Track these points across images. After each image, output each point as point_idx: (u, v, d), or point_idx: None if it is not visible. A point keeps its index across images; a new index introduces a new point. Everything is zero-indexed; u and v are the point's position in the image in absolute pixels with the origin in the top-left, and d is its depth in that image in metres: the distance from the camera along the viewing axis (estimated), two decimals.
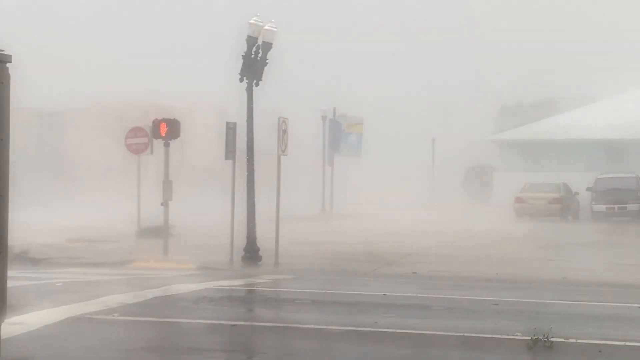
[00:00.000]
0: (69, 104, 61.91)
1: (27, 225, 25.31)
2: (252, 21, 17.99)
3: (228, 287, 14.28)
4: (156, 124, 19.78)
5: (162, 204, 18.93)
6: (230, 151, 18.29)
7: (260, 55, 18.09)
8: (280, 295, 13.58)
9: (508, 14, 75.53)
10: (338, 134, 43.98)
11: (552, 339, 9.03)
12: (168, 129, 19.30)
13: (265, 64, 18.17)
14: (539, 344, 8.92)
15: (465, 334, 9.68)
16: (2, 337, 7.64)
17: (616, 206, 35.14)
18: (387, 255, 20.01)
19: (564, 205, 35.71)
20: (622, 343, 9.28)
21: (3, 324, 7.59)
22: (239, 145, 18.39)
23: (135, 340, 9.53)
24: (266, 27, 18.10)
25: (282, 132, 18.18)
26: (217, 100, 57.80)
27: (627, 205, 35.09)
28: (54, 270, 16.74)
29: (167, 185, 18.96)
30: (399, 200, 48.23)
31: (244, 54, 18.02)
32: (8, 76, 7.40)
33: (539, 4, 79.38)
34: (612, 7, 71.68)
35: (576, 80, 65.36)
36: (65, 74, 61.41)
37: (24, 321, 10.24)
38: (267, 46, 18.16)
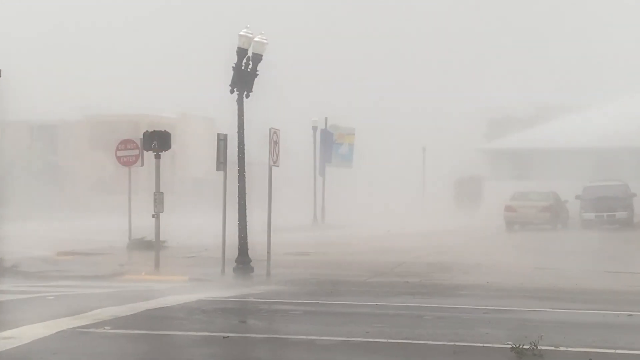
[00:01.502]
0: (60, 117, 61.82)
1: (18, 238, 25.29)
2: (242, 33, 18.06)
3: (220, 299, 14.30)
4: (147, 135, 19.81)
5: (153, 216, 18.94)
6: (221, 162, 18.33)
7: (250, 66, 18.16)
8: (272, 307, 13.62)
9: (498, 24, 75.87)
10: (329, 144, 44.07)
11: (542, 348, 9.10)
12: (159, 141, 19.33)
13: (256, 75, 18.24)
14: (528, 353, 8.98)
15: (456, 343, 9.74)
16: None
17: (605, 214, 35.26)
18: (379, 265, 20.06)
19: (553, 213, 35.82)
20: (612, 351, 9.35)
21: None
22: (231, 157, 18.43)
23: (127, 353, 9.55)
24: (256, 39, 18.18)
25: (274, 143, 18.25)
26: (208, 111, 57.84)
27: (615, 213, 35.22)
28: (45, 283, 16.72)
29: (158, 197, 18.98)
30: (390, 210, 48.32)
31: (234, 66, 18.09)
32: None
33: (528, 13, 79.77)
34: (601, 16, 72.07)
35: (565, 88, 65.65)
36: (57, 87, 61.34)
37: (15, 335, 10.25)
38: (258, 57, 18.24)
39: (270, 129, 18.28)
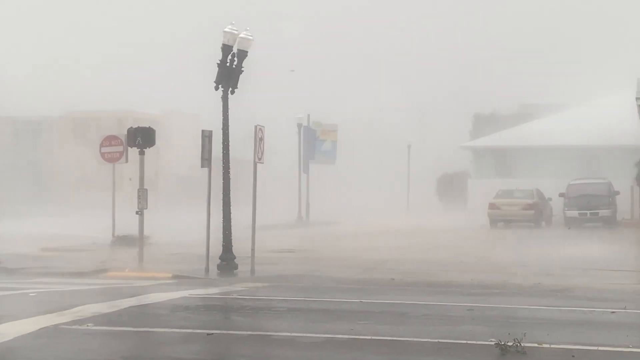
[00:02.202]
0: (44, 113, 61.48)
1: (1, 235, 25.14)
2: (227, 29, 18.00)
3: (204, 296, 14.26)
4: (131, 132, 19.73)
5: (137, 213, 18.87)
6: (206, 159, 18.28)
7: (235, 63, 18.11)
8: (256, 304, 13.59)
9: (483, 22, 76.08)
10: (312, 141, 44.08)
11: (526, 345, 9.13)
12: (143, 137, 19.26)
13: (241, 71, 18.19)
14: (512, 350, 9.01)
15: (440, 340, 9.76)
16: None
17: (588, 212, 35.45)
18: (363, 261, 20.08)
19: (537, 211, 35.99)
20: (595, 348, 9.40)
21: None
22: (215, 153, 18.39)
23: (110, 350, 9.51)
24: (241, 35, 18.12)
25: (259, 139, 18.21)
26: (193, 108, 57.70)
27: (599, 211, 35.41)
28: (28, 280, 16.63)
29: (142, 194, 18.91)
30: (374, 207, 48.39)
31: (219, 62, 18.03)
32: None
33: (513, 12, 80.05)
34: (582, 16, 72.44)
35: (549, 87, 65.95)
36: (40, 83, 61.01)
37: None
38: (243, 54, 18.18)
39: (255, 126, 18.26)
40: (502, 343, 9.09)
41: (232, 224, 18.06)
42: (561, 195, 36.66)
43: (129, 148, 21.64)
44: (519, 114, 59.07)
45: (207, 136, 18.30)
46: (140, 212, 18.83)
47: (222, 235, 17.91)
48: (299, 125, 42.67)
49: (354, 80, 69.06)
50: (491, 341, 9.48)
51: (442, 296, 14.12)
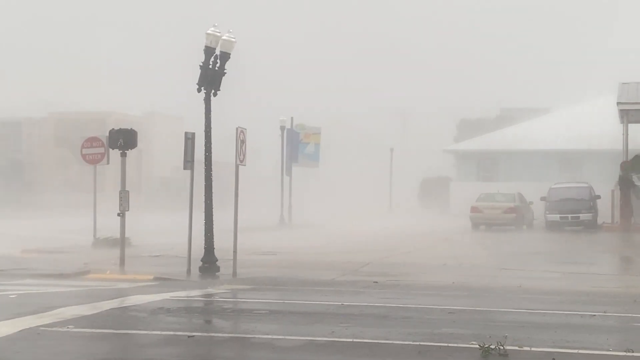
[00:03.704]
0: (25, 114, 61.10)
1: None
2: (209, 31, 17.97)
3: (185, 298, 14.22)
4: (113, 133, 19.66)
5: (118, 215, 18.79)
6: (188, 161, 18.24)
7: (218, 65, 18.08)
8: (238, 306, 13.56)
9: (465, 28, 76.42)
10: (295, 143, 44.07)
11: (507, 347, 9.17)
12: (124, 139, 19.19)
13: (224, 74, 18.17)
14: (493, 352, 9.05)
15: (422, 343, 9.78)
16: None
17: (569, 215, 35.67)
18: (345, 264, 20.09)
19: (518, 214, 36.18)
20: (576, 351, 9.45)
21: None
22: (198, 156, 18.35)
23: (90, 352, 9.46)
24: (224, 37, 18.10)
25: (240, 142, 18.19)
26: (176, 109, 57.58)
27: (580, 214, 35.63)
28: (8, 281, 16.52)
29: (123, 196, 18.83)
30: (356, 210, 48.44)
31: (201, 64, 18.00)
32: None
33: (496, 18, 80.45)
34: (566, 21, 72.90)
35: (530, 92, 66.31)
36: (22, 83, 60.70)
37: None
38: (225, 56, 18.16)
39: (236, 128, 18.23)
40: (485, 346, 9.12)
41: (214, 226, 18.03)
42: (542, 199, 36.88)
43: (111, 150, 21.54)
44: (501, 118, 59.37)
45: (189, 138, 18.26)
46: (121, 214, 18.76)
47: (204, 238, 17.88)
48: (282, 128, 42.68)
49: (337, 83, 69.14)
50: (473, 344, 9.51)
51: (423, 299, 14.15)
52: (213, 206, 18.03)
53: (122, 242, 19.09)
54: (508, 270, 19.11)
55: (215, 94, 18.10)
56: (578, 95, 55.51)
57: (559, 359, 9.02)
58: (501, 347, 9.09)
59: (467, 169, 50.93)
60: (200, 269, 17.75)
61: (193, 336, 10.29)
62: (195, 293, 15.00)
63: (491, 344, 9.14)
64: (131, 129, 19.67)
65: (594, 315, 12.16)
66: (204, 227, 17.91)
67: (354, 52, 74.68)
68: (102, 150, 25.20)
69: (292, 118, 44.04)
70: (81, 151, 25.88)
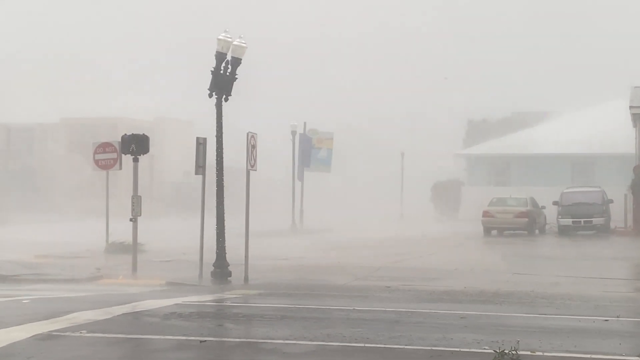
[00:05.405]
0: (37, 119, 61.41)
1: None
2: (220, 37, 18.03)
3: (197, 303, 14.25)
4: (125, 139, 19.73)
5: (131, 220, 18.85)
6: (200, 166, 18.29)
7: (229, 70, 18.13)
8: (250, 311, 13.58)
9: (474, 31, 76.32)
10: (308, 148, 44.09)
11: (519, 352, 9.14)
12: (137, 145, 19.26)
13: (235, 79, 18.22)
14: (506, 358, 9.02)
15: (433, 348, 9.76)
16: None
17: (582, 220, 35.52)
18: (357, 269, 20.08)
19: (530, 219, 36.04)
20: (588, 356, 9.41)
21: None
22: (210, 161, 18.40)
23: (103, 357, 9.49)
24: (235, 43, 18.15)
25: (251, 147, 18.23)
26: (188, 115, 57.72)
27: (592, 219, 35.48)
28: (21, 287, 16.60)
29: (136, 201, 18.89)
30: (368, 215, 48.40)
31: (213, 70, 18.05)
32: None
33: (507, 20, 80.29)
34: (578, 24, 72.68)
35: (543, 95, 66.12)
36: (34, 89, 60.98)
37: None
38: (236, 61, 18.22)
39: (247, 133, 18.27)
40: (500, 350, 9.10)
41: (225, 231, 18.06)
42: (555, 203, 36.75)
43: (123, 155, 21.61)
44: (512, 121, 59.20)
45: (201, 143, 18.31)
46: (134, 219, 18.82)
47: (215, 243, 17.91)
48: (293, 133, 42.70)
49: (348, 87, 69.18)
50: (485, 349, 9.49)
51: (435, 304, 14.12)
52: (224, 211, 18.06)
53: (134, 247, 19.16)
54: (520, 275, 19.05)
55: (226, 99, 18.16)
56: (590, 98, 55.31)
57: None
58: (514, 352, 9.06)
59: (478, 173, 50.84)
60: (212, 274, 17.78)
61: (205, 341, 10.31)
62: (207, 298, 15.02)
63: (504, 349, 9.12)
64: (143, 134, 19.74)
65: (607, 320, 12.11)
66: (215, 232, 17.94)
67: (365, 57, 74.75)
68: (114, 155, 25.28)
69: (305, 123, 44.06)
70: (94, 157, 25.98)
